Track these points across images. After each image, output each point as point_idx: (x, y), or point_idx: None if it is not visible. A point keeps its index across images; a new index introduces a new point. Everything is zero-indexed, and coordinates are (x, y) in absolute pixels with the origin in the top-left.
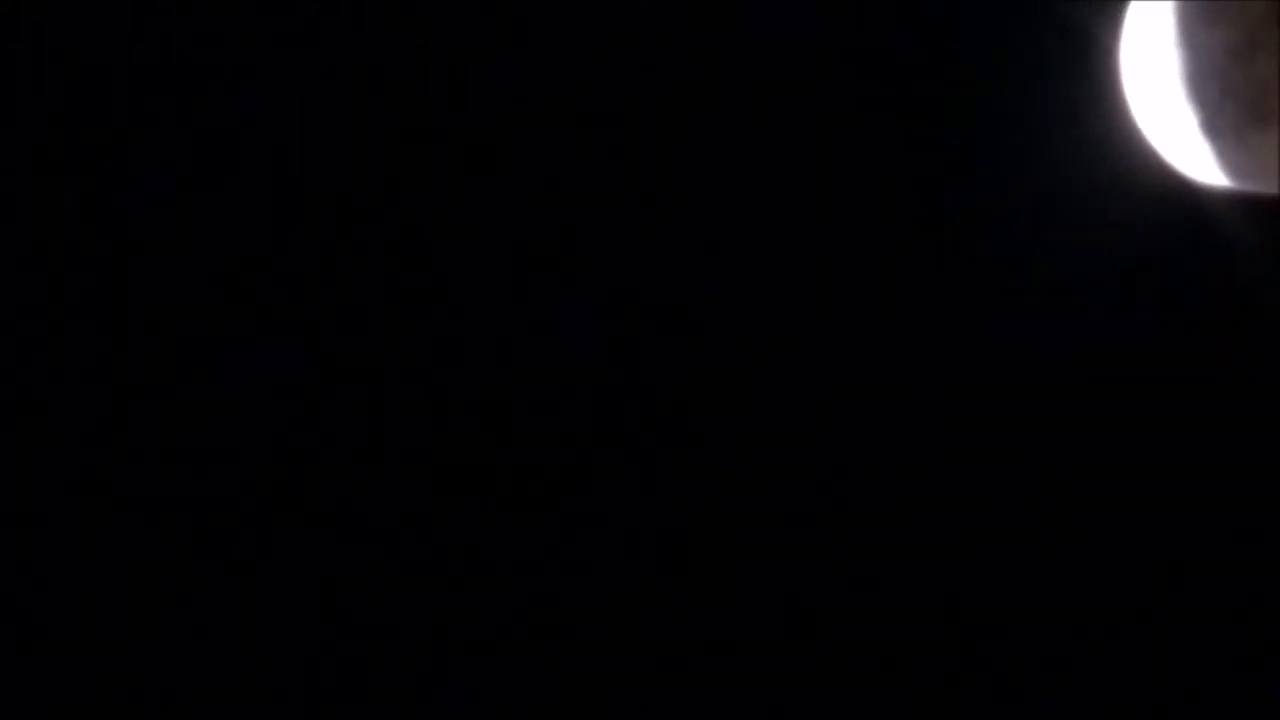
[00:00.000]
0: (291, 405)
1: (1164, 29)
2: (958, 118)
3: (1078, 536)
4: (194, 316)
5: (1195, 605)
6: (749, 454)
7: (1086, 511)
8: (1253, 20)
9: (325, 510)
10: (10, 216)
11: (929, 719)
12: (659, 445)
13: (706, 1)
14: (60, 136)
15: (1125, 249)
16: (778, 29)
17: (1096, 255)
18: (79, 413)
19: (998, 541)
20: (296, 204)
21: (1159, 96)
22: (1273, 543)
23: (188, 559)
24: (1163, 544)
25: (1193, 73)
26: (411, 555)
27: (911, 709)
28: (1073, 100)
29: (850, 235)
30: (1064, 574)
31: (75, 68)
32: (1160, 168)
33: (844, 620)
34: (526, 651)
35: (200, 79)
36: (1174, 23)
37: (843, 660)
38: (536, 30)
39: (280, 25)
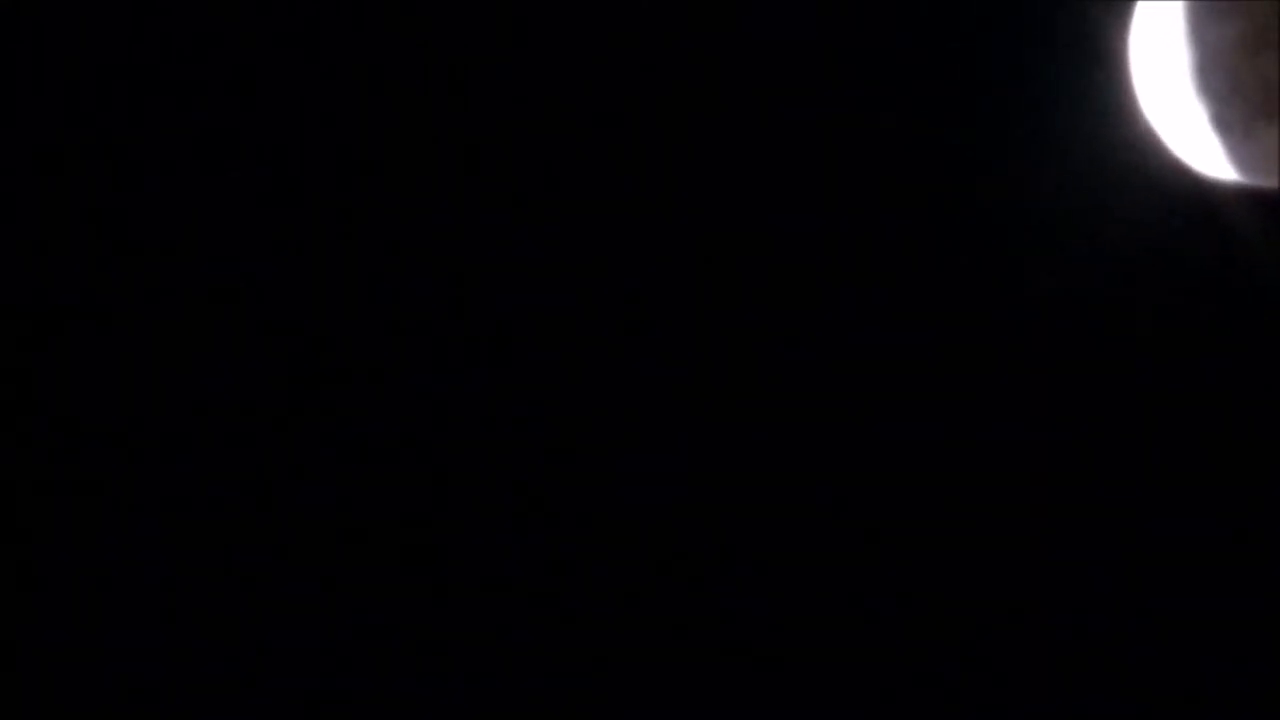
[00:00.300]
0: (290, 407)
1: (1173, 26)
2: (967, 116)
3: (1078, 534)
4: (193, 317)
5: (1195, 605)
6: (747, 456)
7: (1090, 508)
8: (1261, 17)
9: (323, 511)
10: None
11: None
12: (659, 445)
13: (706, 1)
14: (60, 136)
15: (1134, 242)
16: (787, 29)
17: (1105, 249)
18: (77, 412)
19: (995, 541)
20: (296, 204)
21: (1168, 92)
22: (1275, 539)
23: (188, 559)
24: (1163, 541)
25: (1202, 68)
26: (411, 556)
27: (914, 709)
28: (1083, 97)
29: (856, 233)
30: (1063, 573)
31: (75, 68)
32: (1169, 162)
33: (846, 622)
34: (525, 652)
35: (199, 79)
36: (1183, 19)
37: (844, 661)
38: (536, 30)
39: (280, 25)
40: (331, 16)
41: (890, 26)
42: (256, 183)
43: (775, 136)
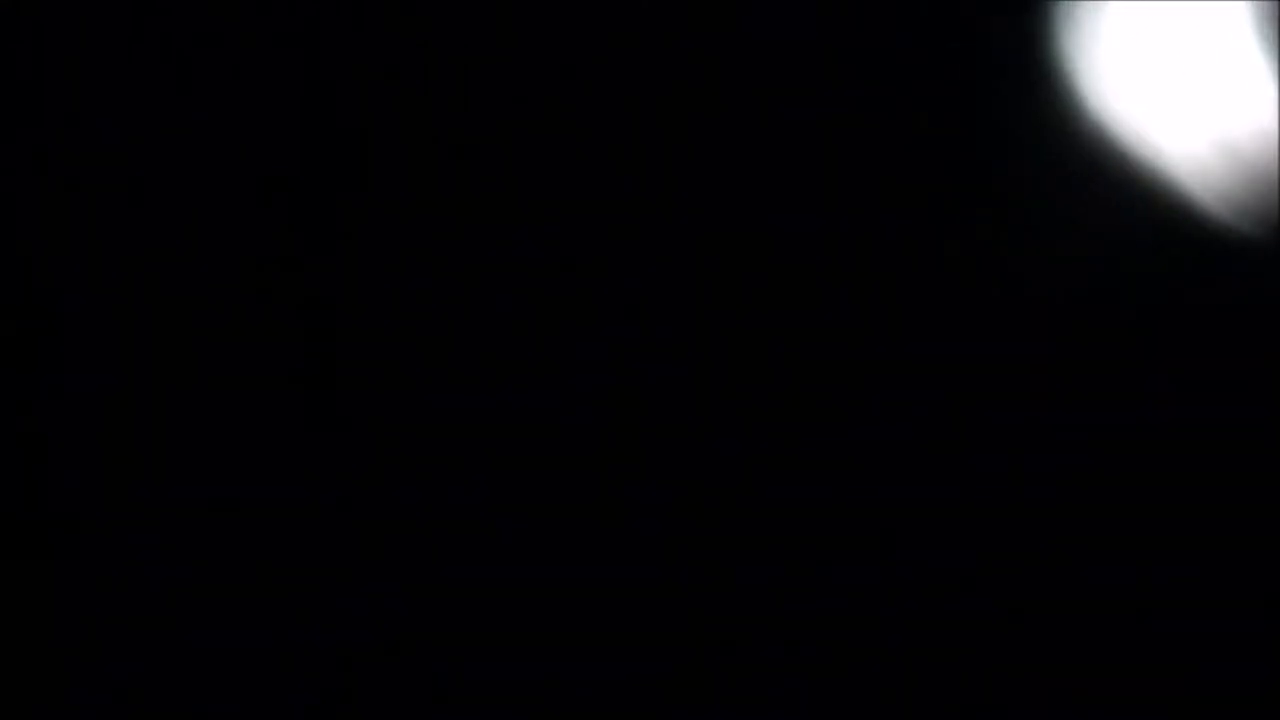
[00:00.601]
0: (288, 413)
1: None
2: (958, 121)
3: (1062, 541)
4: (192, 318)
5: (1192, 612)
6: (746, 456)
7: (1078, 516)
8: None
9: (321, 512)
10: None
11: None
12: (658, 446)
13: (707, 1)
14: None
15: (1123, 253)
16: (755, 28)
17: (1101, 249)
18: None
19: (991, 544)
20: (295, 206)
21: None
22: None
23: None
24: (1153, 545)
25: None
26: (411, 558)
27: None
28: (1070, 102)
29: (835, 237)
30: (1057, 576)
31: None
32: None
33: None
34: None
35: (197, 78)
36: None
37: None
38: (536, 30)
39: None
40: (331, 17)
41: (886, 30)
42: (255, 182)
43: (756, 136)
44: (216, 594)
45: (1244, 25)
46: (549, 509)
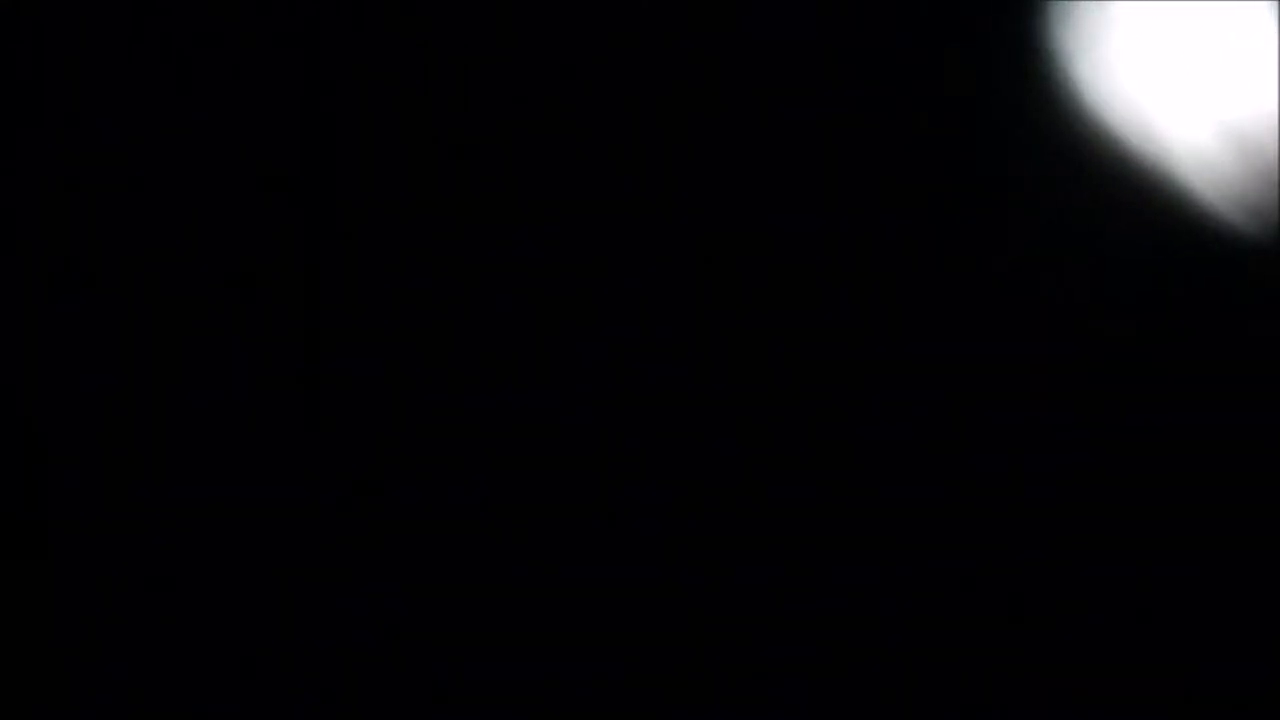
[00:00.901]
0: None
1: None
2: (958, 121)
3: (1062, 541)
4: (190, 319)
5: (1192, 612)
6: (746, 456)
7: (1079, 516)
8: None
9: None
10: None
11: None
12: (658, 447)
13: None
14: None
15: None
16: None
17: (1102, 249)
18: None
19: (989, 547)
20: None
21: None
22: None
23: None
24: (1153, 546)
25: None
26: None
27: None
28: (1068, 97)
29: (835, 237)
30: (1053, 579)
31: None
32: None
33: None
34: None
35: (196, 78)
36: None
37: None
38: (536, 30)
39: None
40: (331, 17)
41: (884, 29)
42: (254, 182)
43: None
44: (216, 594)
45: (1248, 21)
46: (549, 509)
